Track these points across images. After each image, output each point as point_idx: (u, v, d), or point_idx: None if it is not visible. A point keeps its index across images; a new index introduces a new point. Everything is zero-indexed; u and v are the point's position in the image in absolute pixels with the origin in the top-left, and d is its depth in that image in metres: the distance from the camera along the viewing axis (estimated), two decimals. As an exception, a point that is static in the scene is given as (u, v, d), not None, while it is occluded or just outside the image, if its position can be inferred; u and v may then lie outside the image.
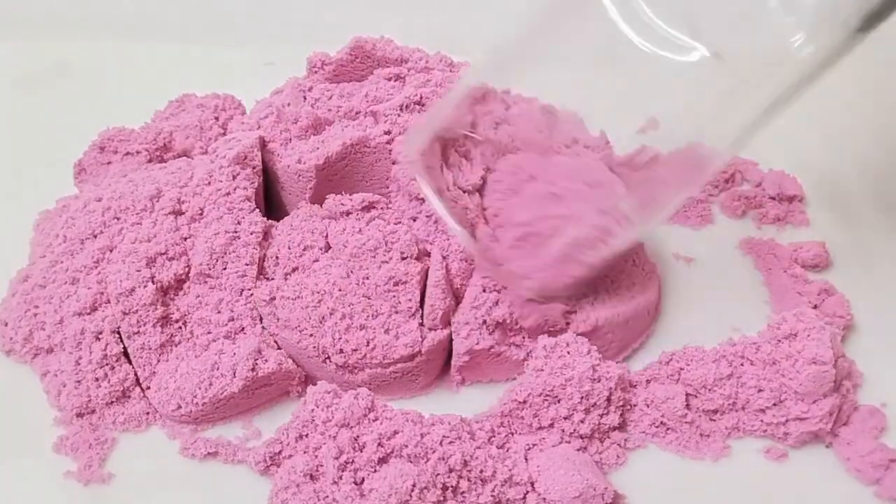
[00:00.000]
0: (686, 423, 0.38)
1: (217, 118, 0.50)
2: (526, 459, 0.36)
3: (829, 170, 0.52)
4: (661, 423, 0.38)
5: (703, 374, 0.38)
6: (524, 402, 0.37)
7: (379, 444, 0.34)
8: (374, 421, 0.35)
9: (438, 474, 0.34)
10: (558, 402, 0.37)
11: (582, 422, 0.37)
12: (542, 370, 0.37)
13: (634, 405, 0.38)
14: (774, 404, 0.37)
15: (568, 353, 0.38)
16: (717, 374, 0.38)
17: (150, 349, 0.38)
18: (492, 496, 0.34)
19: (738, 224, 0.49)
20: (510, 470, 0.35)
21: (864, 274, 0.46)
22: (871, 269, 0.46)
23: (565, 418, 0.37)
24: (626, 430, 0.38)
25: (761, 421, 0.38)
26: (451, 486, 0.34)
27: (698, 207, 0.49)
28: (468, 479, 0.34)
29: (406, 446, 0.34)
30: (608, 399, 0.37)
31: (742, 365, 0.38)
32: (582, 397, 0.36)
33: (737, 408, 0.38)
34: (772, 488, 0.37)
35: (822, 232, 0.48)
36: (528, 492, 0.35)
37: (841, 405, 0.38)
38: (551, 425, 0.37)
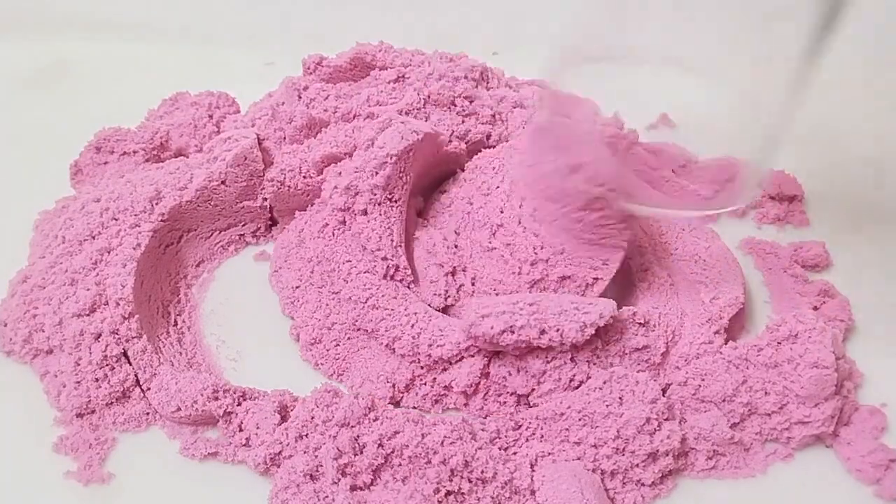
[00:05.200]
0: (734, 443, 0.37)
1: (211, 116, 0.50)
2: (532, 468, 0.35)
3: (829, 170, 0.52)
4: (715, 451, 0.37)
5: (721, 387, 0.37)
6: (562, 414, 0.36)
7: (379, 445, 0.34)
8: (374, 421, 0.35)
9: (442, 482, 0.34)
10: (594, 428, 0.36)
11: (608, 457, 0.36)
12: (599, 389, 0.36)
13: (688, 452, 0.37)
14: (781, 408, 0.37)
15: (632, 391, 0.36)
16: (733, 382, 0.38)
17: (150, 352, 0.38)
18: (492, 499, 0.34)
19: (738, 224, 0.49)
20: (511, 473, 0.35)
21: (864, 274, 0.46)
22: (871, 269, 0.46)
23: (593, 446, 0.36)
24: (666, 483, 0.36)
25: (766, 424, 0.38)
26: (454, 492, 0.34)
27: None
28: (469, 481, 0.34)
29: (407, 447, 0.34)
30: (651, 456, 0.36)
31: (748, 368, 0.38)
32: (617, 437, 0.35)
33: (751, 411, 0.38)
34: (772, 488, 0.36)
35: (822, 232, 0.48)
36: (526, 499, 0.35)
37: (842, 406, 0.38)
38: (577, 443, 0.36)
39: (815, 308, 0.43)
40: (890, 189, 0.51)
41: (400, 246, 0.41)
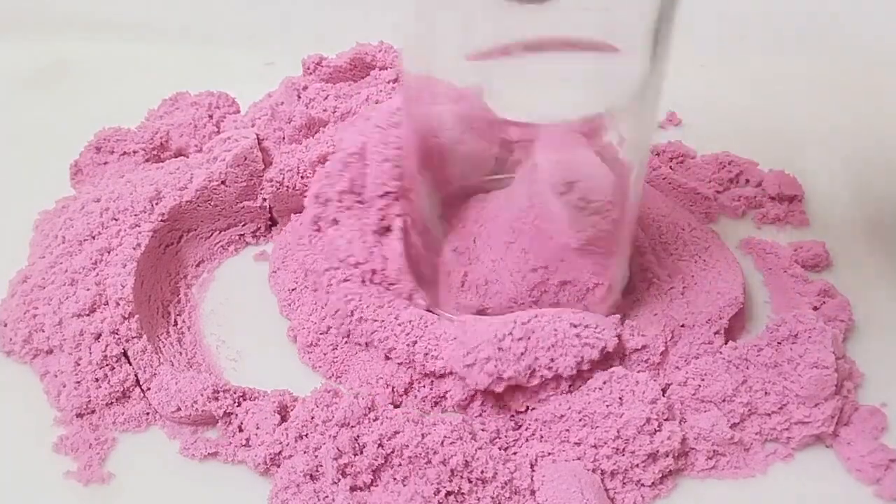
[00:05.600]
0: (734, 443, 0.37)
1: (211, 116, 0.50)
2: (532, 468, 0.35)
3: (829, 170, 0.52)
4: (715, 451, 0.37)
5: (721, 387, 0.37)
6: (562, 416, 0.36)
7: (379, 445, 0.34)
8: (374, 421, 0.35)
9: (442, 483, 0.33)
10: (594, 428, 0.36)
11: (608, 458, 0.35)
12: (599, 389, 0.36)
13: (687, 452, 0.37)
14: (780, 408, 0.37)
15: (632, 391, 0.36)
16: (733, 382, 0.37)
17: (150, 352, 0.38)
18: (492, 499, 0.34)
19: (738, 224, 0.49)
20: (511, 473, 0.35)
21: (864, 274, 0.46)
22: (871, 269, 0.46)
23: (593, 446, 0.36)
24: (666, 483, 0.36)
25: (766, 425, 0.38)
26: (454, 493, 0.34)
27: (701, 206, 0.49)
28: (469, 481, 0.34)
29: (407, 447, 0.34)
30: (651, 456, 0.35)
31: (748, 368, 0.38)
32: (617, 437, 0.35)
33: (751, 411, 0.38)
34: (772, 488, 0.36)
35: (822, 232, 0.48)
36: (526, 499, 0.34)
37: (842, 406, 0.38)
38: (577, 444, 0.36)
39: (815, 308, 0.43)
40: (890, 189, 0.51)
41: (376, 247, 0.40)
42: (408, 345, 0.38)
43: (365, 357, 0.40)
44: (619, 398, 0.36)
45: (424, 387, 0.38)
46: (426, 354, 0.38)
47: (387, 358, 0.39)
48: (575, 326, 0.37)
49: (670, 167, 0.50)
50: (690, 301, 0.41)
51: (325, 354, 0.40)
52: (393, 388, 0.38)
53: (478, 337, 0.37)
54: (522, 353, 0.36)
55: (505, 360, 0.36)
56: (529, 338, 0.36)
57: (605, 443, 0.35)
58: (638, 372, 0.38)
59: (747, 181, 0.51)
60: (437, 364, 0.38)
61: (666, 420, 0.36)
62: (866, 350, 0.41)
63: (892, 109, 0.57)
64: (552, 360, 0.36)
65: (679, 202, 0.48)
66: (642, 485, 0.36)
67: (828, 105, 0.58)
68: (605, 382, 0.37)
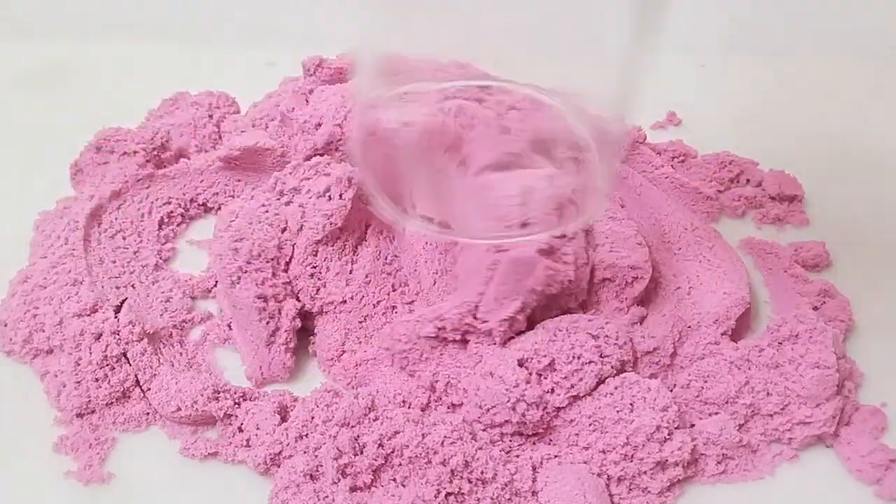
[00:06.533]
0: (742, 446, 0.37)
1: (211, 116, 0.50)
2: (535, 469, 0.35)
3: (829, 170, 0.52)
4: (724, 455, 0.36)
5: (724, 389, 0.37)
6: (572, 420, 0.36)
7: (379, 445, 0.34)
8: (374, 421, 0.35)
9: (442, 483, 0.33)
10: (604, 433, 0.35)
11: (615, 463, 0.35)
12: (610, 394, 0.36)
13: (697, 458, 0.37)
14: (783, 408, 0.37)
15: (644, 398, 0.36)
16: (735, 383, 0.37)
17: (150, 354, 0.38)
18: (491, 500, 0.34)
19: (738, 224, 0.49)
20: (512, 474, 0.35)
21: (864, 274, 0.46)
22: (871, 269, 0.46)
23: (602, 451, 0.35)
24: (673, 491, 0.36)
25: (768, 425, 0.38)
26: (454, 493, 0.34)
27: (702, 206, 0.49)
28: (469, 481, 0.34)
29: (407, 447, 0.34)
30: (660, 465, 0.35)
31: (750, 369, 0.38)
32: (626, 443, 0.35)
33: (754, 412, 0.37)
34: (772, 488, 0.36)
35: (822, 232, 0.48)
36: (528, 501, 0.34)
37: (843, 406, 0.38)
38: (586, 448, 0.36)
39: (815, 308, 0.43)
40: (890, 189, 0.51)
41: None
42: (432, 372, 0.38)
43: (387, 372, 0.39)
44: (631, 404, 0.36)
45: (442, 405, 0.38)
46: (447, 384, 0.37)
47: (410, 376, 0.39)
48: (595, 338, 0.37)
49: (672, 166, 0.50)
50: (697, 301, 0.41)
51: (346, 370, 0.40)
52: (410, 405, 0.38)
53: (491, 397, 0.36)
54: (539, 421, 0.36)
55: (522, 424, 0.36)
56: (546, 377, 0.36)
57: (614, 448, 0.35)
58: (649, 374, 0.37)
59: (747, 181, 0.51)
60: (455, 397, 0.37)
61: (677, 429, 0.36)
62: (866, 350, 0.41)
63: (892, 109, 0.57)
64: (572, 385, 0.36)
65: (681, 202, 0.48)
66: (649, 492, 0.35)
67: (828, 105, 0.58)
68: (616, 388, 0.36)
